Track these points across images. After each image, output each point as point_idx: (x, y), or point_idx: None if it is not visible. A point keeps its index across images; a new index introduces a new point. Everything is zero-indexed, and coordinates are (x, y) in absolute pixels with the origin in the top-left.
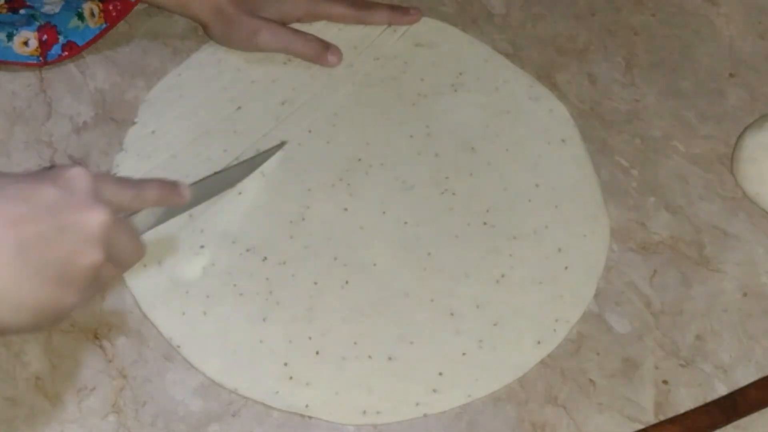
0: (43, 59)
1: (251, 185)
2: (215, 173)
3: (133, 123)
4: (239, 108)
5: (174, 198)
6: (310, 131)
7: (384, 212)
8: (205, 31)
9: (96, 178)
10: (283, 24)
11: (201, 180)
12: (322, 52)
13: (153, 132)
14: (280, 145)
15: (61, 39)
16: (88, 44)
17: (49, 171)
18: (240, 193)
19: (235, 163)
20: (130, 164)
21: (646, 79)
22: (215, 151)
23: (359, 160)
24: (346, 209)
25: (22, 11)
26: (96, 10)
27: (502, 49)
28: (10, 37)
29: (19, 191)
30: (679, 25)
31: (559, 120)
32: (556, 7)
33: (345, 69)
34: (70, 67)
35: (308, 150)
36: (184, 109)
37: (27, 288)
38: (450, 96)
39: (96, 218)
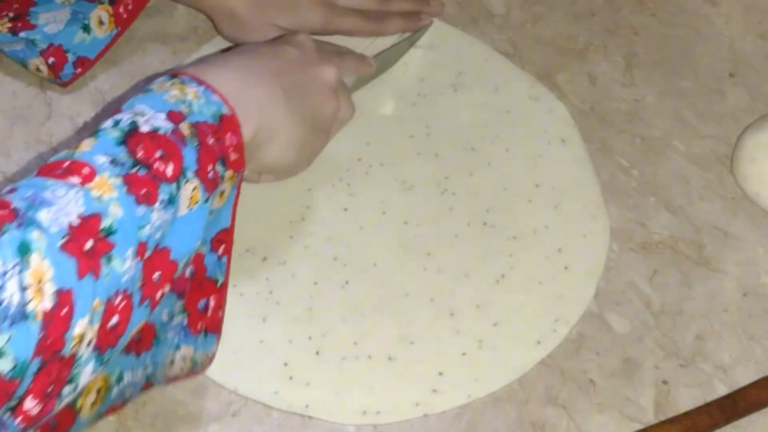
0: (60, 80)
1: (251, 186)
2: (384, 50)
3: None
4: None
5: (365, 68)
6: None
7: (384, 212)
8: (214, 27)
9: (316, 43)
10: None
11: (377, 54)
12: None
13: None
14: (429, 25)
15: (70, 57)
16: (100, 55)
17: (281, 37)
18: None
19: (396, 41)
20: None
21: (646, 79)
22: None
23: (359, 160)
24: (346, 209)
25: (21, 34)
26: (106, 17)
27: (502, 49)
28: (24, 65)
29: (271, 50)
30: (679, 25)
31: (559, 120)
32: (556, 7)
33: None
34: None
35: None
36: None
37: (295, 126)
38: (450, 96)
39: (331, 72)
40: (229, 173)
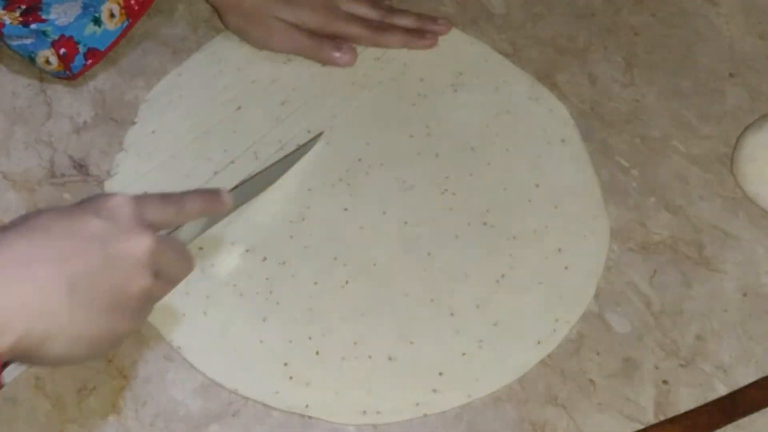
0: (70, 72)
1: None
2: (254, 175)
3: (133, 123)
4: (239, 108)
5: (216, 206)
6: (309, 131)
7: (384, 212)
8: (220, 19)
9: (137, 203)
10: (298, 28)
11: (241, 183)
12: (334, 53)
13: (153, 132)
14: (317, 137)
15: (81, 48)
16: (111, 47)
17: (91, 202)
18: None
19: (275, 160)
20: (130, 164)
21: (646, 79)
22: (215, 151)
23: (359, 160)
24: (346, 209)
25: (33, 26)
26: (116, 9)
27: (502, 49)
28: (31, 59)
29: (65, 228)
30: (679, 25)
31: (559, 120)
32: (556, 7)
33: (345, 70)
34: None
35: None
36: (184, 109)
37: (82, 322)
38: (450, 96)
39: (141, 244)
40: None
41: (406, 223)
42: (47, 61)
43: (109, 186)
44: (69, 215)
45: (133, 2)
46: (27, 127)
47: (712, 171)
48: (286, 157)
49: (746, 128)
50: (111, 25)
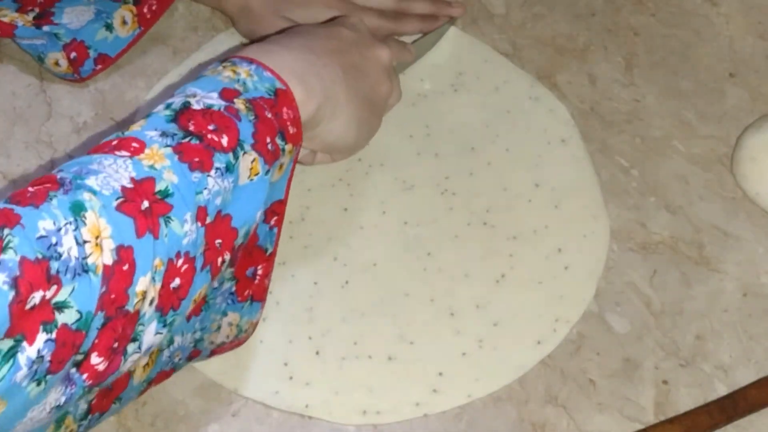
0: (78, 76)
1: None
2: (420, 37)
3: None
4: None
5: (406, 54)
6: None
7: (384, 212)
8: (232, 23)
9: (369, 29)
10: None
11: (415, 41)
12: None
13: None
14: (453, 21)
15: (92, 53)
16: (121, 54)
17: (335, 20)
18: None
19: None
20: None
21: (646, 79)
22: None
23: (359, 160)
24: (346, 209)
25: (45, 28)
26: (129, 17)
27: (502, 49)
28: (40, 59)
29: (328, 32)
30: (679, 25)
31: (559, 120)
32: (556, 7)
33: None
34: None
35: None
36: None
37: (354, 105)
38: (450, 96)
39: (385, 54)
40: (288, 147)
41: (406, 223)
42: (57, 63)
43: None
44: (325, 26)
45: (145, 11)
46: (27, 127)
47: (712, 171)
48: (436, 31)
49: (746, 128)
50: (123, 32)
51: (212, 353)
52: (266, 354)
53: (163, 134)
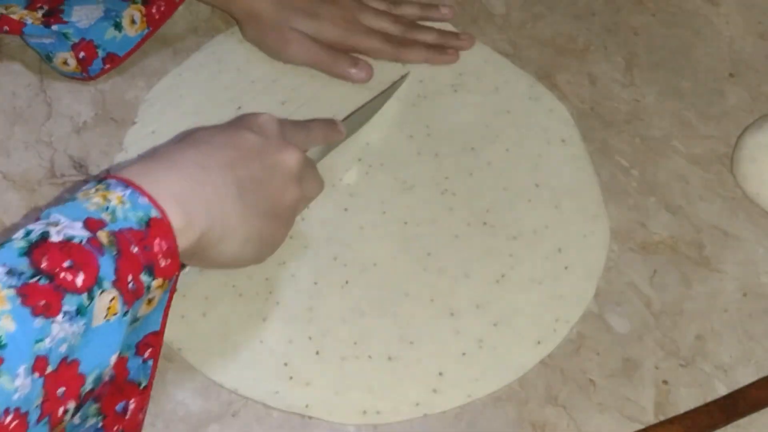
0: (87, 75)
1: None
2: (355, 110)
3: (133, 123)
4: (239, 108)
5: (334, 135)
6: None
7: (384, 212)
8: (240, 30)
9: (280, 123)
10: (316, 40)
11: (347, 116)
12: (350, 69)
13: (153, 132)
14: (405, 77)
15: (100, 53)
16: (129, 53)
17: (241, 120)
18: None
19: (368, 100)
20: None
21: (646, 79)
22: None
23: (359, 160)
24: (346, 209)
25: (54, 27)
26: (138, 16)
27: (502, 49)
28: (49, 59)
29: (227, 139)
30: (679, 25)
31: (559, 120)
32: (556, 7)
33: None
34: None
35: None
36: (184, 109)
37: (249, 224)
38: (450, 96)
39: (292, 158)
40: (157, 282)
41: (406, 223)
42: (65, 63)
43: None
44: (226, 130)
45: (154, 11)
46: (27, 127)
47: (712, 171)
48: (375, 98)
49: (746, 128)
50: (131, 32)
51: None
52: (266, 354)
53: (10, 272)
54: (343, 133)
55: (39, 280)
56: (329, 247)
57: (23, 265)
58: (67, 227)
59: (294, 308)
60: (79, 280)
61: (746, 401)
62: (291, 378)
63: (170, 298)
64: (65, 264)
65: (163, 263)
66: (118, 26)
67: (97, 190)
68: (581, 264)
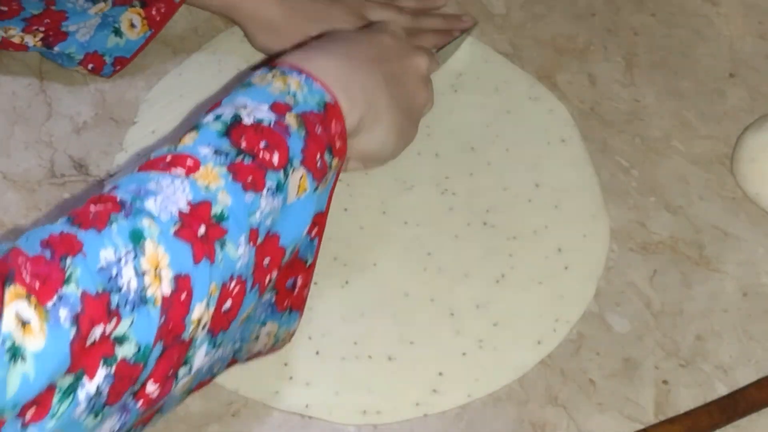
0: (102, 76)
1: None
2: (443, 46)
3: (133, 123)
4: None
5: (434, 65)
6: None
7: (384, 212)
8: (246, 37)
9: (406, 31)
10: None
11: (438, 50)
12: None
13: (153, 132)
14: (474, 27)
15: (108, 59)
16: (135, 54)
17: (372, 26)
18: None
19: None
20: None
21: (646, 79)
22: None
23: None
24: (346, 209)
25: (56, 48)
26: (138, 20)
27: (502, 49)
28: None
29: (369, 39)
30: (679, 25)
31: (559, 120)
32: (556, 7)
33: None
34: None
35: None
36: (184, 109)
37: (395, 114)
38: (450, 96)
39: (423, 62)
40: (335, 161)
41: (406, 223)
42: (78, 70)
43: None
44: (364, 32)
45: (154, 13)
46: (27, 127)
47: (712, 171)
48: (457, 38)
49: (746, 128)
50: (133, 35)
51: (247, 360)
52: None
53: (217, 152)
54: (439, 63)
55: (243, 158)
56: (329, 247)
57: (225, 145)
58: (255, 110)
59: None
60: (275, 159)
61: (746, 401)
62: (291, 378)
63: (335, 182)
64: (261, 144)
65: (338, 144)
66: (117, 32)
67: (274, 76)
68: (581, 264)
